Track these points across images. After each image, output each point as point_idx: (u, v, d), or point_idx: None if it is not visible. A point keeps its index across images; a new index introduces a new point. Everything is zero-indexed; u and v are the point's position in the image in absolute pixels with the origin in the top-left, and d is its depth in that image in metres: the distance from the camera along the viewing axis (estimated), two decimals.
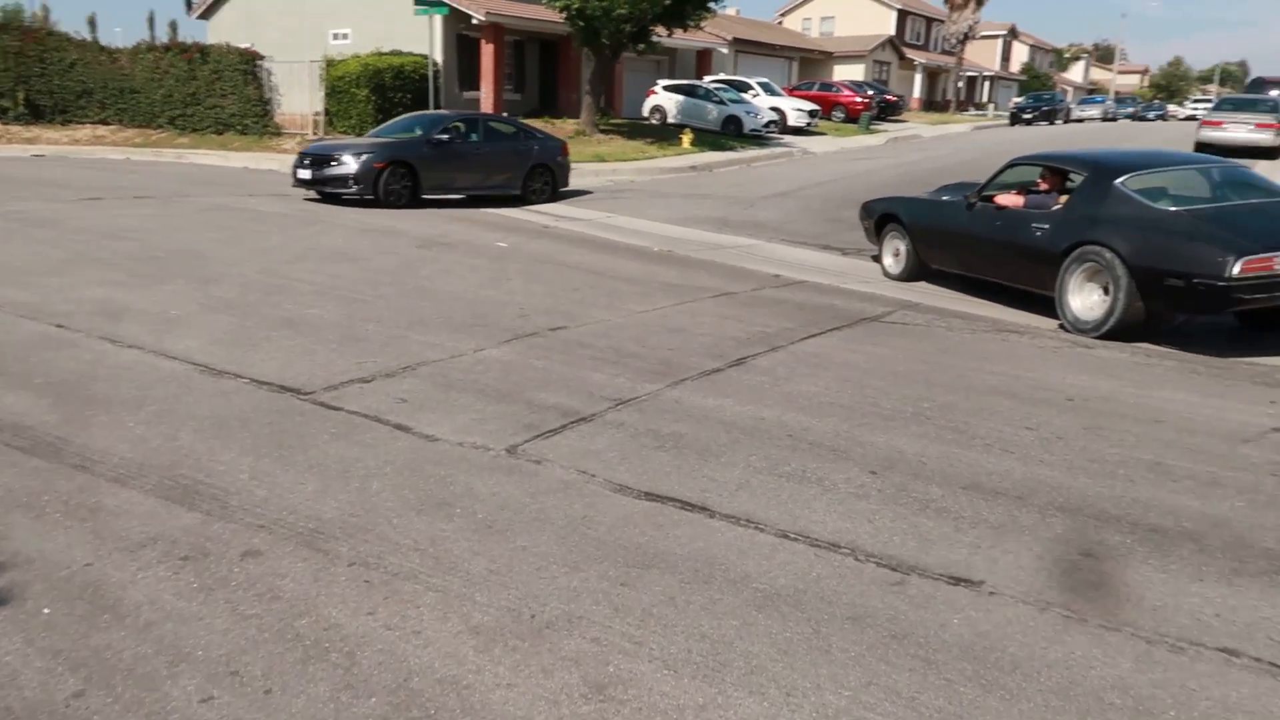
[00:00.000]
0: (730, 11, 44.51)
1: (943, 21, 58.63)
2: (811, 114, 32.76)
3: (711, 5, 26.40)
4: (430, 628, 2.98)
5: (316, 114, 26.50)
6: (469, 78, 28.60)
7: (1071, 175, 8.40)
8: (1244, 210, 7.41)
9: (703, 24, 27.23)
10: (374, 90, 25.49)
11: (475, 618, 3.05)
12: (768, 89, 33.79)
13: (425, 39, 27.19)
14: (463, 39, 28.19)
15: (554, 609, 3.11)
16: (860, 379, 5.90)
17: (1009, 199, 8.65)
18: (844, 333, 7.25)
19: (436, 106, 23.37)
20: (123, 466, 4.17)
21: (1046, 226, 7.88)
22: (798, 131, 31.90)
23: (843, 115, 37.33)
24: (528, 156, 15.85)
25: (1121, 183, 7.57)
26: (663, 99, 30.62)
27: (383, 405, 5.07)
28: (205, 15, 33.96)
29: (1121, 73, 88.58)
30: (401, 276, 8.81)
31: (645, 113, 31.02)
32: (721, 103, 29.78)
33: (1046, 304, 7.92)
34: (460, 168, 15.11)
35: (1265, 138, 23.82)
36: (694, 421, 4.97)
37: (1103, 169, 7.89)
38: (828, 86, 39.72)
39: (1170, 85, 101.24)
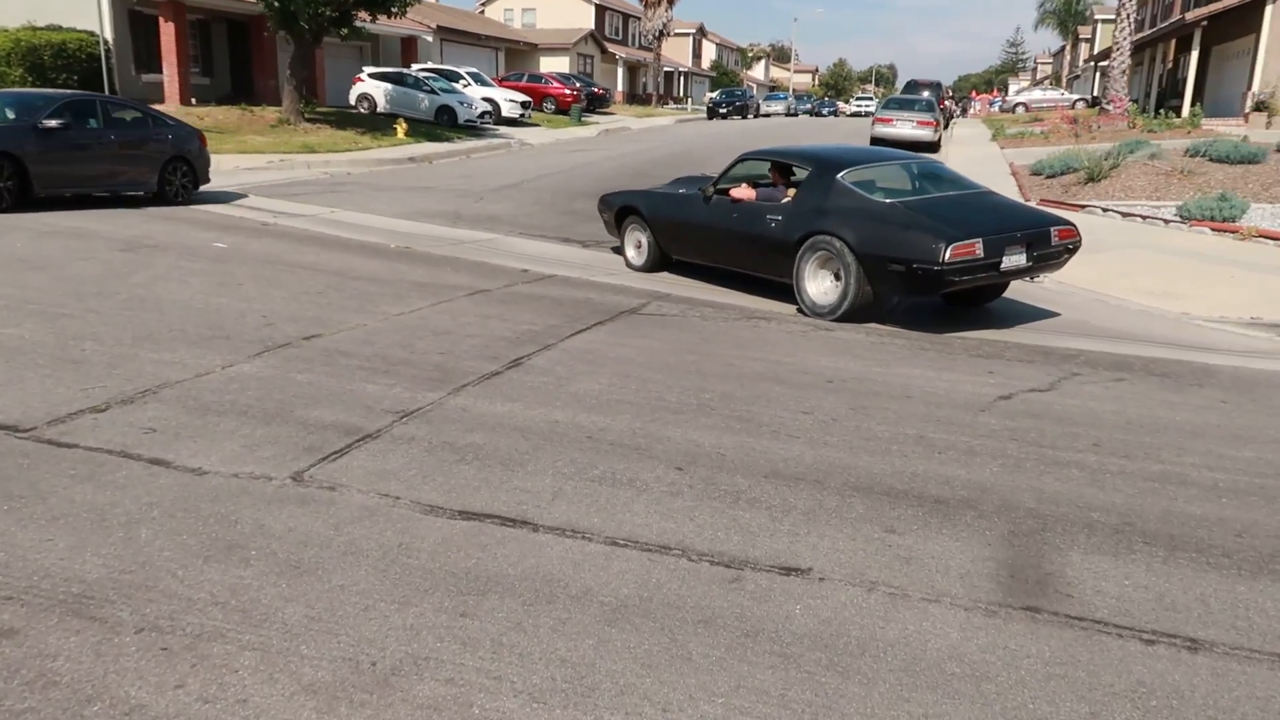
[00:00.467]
0: None
1: (639, 18, 61.02)
2: (524, 105, 32.84)
3: None
4: (257, 694, 2.62)
5: None
6: (147, 59, 25.82)
7: (796, 170, 8.97)
8: (945, 202, 8.25)
9: (407, 10, 26.41)
10: (30, 70, 22.36)
11: (307, 674, 2.71)
12: (478, 79, 33.42)
13: (87, 15, 24.22)
14: (137, 15, 25.39)
15: (395, 652, 2.85)
16: (639, 374, 5.96)
17: (742, 192, 9.11)
18: (608, 327, 7.30)
19: (111, 90, 20.87)
20: None
21: (779, 218, 8.36)
22: (511, 123, 31.86)
23: (554, 107, 37.74)
24: (163, 147, 13.28)
25: (842, 177, 8.15)
26: (370, 87, 29.36)
27: (128, 438, 4.41)
28: None
29: (797, 72, 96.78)
30: (110, 285, 7.75)
31: (352, 101, 29.60)
32: (434, 92, 29.07)
33: (781, 290, 8.43)
34: (83, 160, 12.28)
35: (926, 134, 26.94)
36: (488, 430, 4.78)
37: (825, 164, 8.48)
38: (536, 78, 39.96)
39: (837, 84, 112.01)
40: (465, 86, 31.65)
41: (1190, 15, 31.09)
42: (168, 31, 24.99)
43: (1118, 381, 6.43)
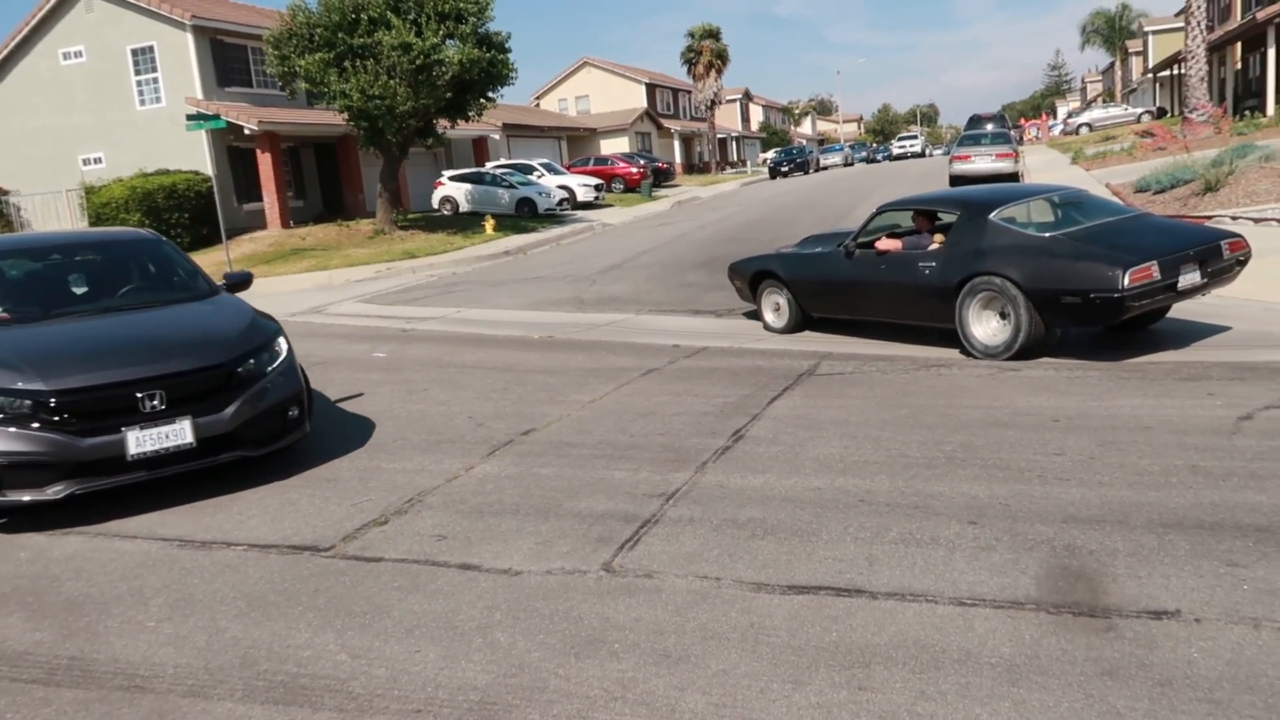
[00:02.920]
0: None
1: (688, 91, 62.37)
2: (598, 188, 33.59)
3: (490, 95, 26.65)
4: None
5: None
6: (247, 189, 27.16)
7: (941, 215, 8.99)
8: (1108, 229, 8.14)
9: (483, 114, 27.41)
10: (147, 213, 23.68)
11: None
12: (550, 169, 34.37)
13: (189, 155, 25.66)
14: (235, 150, 26.80)
15: None
16: (865, 433, 5.96)
17: (887, 243, 9.14)
18: (799, 391, 7.33)
19: (220, 221, 21.92)
20: (188, 675, 3.47)
21: (933, 264, 8.33)
22: (587, 206, 32.58)
23: (623, 186, 38.52)
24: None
25: (995, 216, 8.15)
26: (452, 189, 30.38)
27: (425, 546, 4.56)
28: None
29: (845, 122, 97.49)
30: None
31: (435, 204, 30.63)
32: (512, 186, 29.95)
33: (940, 336, 8.40)
34: None
35: (1005, 165, 26.75)
36: (759, 504, 4.81)
37: (974, 206, 8.47)
38: (602, 160, 40.93)
39: (883, 129, 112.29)
40: (539, 177, 32.56)
41: (1261, 14, 30.63)
42: (265, 161, 26.29)
43: None
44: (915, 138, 67.41)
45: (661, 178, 42.20)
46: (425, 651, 3.52)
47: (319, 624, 3.81)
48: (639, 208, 32.98)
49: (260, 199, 26.81)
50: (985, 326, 8.02)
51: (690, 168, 60.38)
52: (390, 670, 3.41)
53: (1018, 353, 7.74)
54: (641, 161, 41.17)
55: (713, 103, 56.41)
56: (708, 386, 7.69)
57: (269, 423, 5.83)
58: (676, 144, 59.57)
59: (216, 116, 22.18)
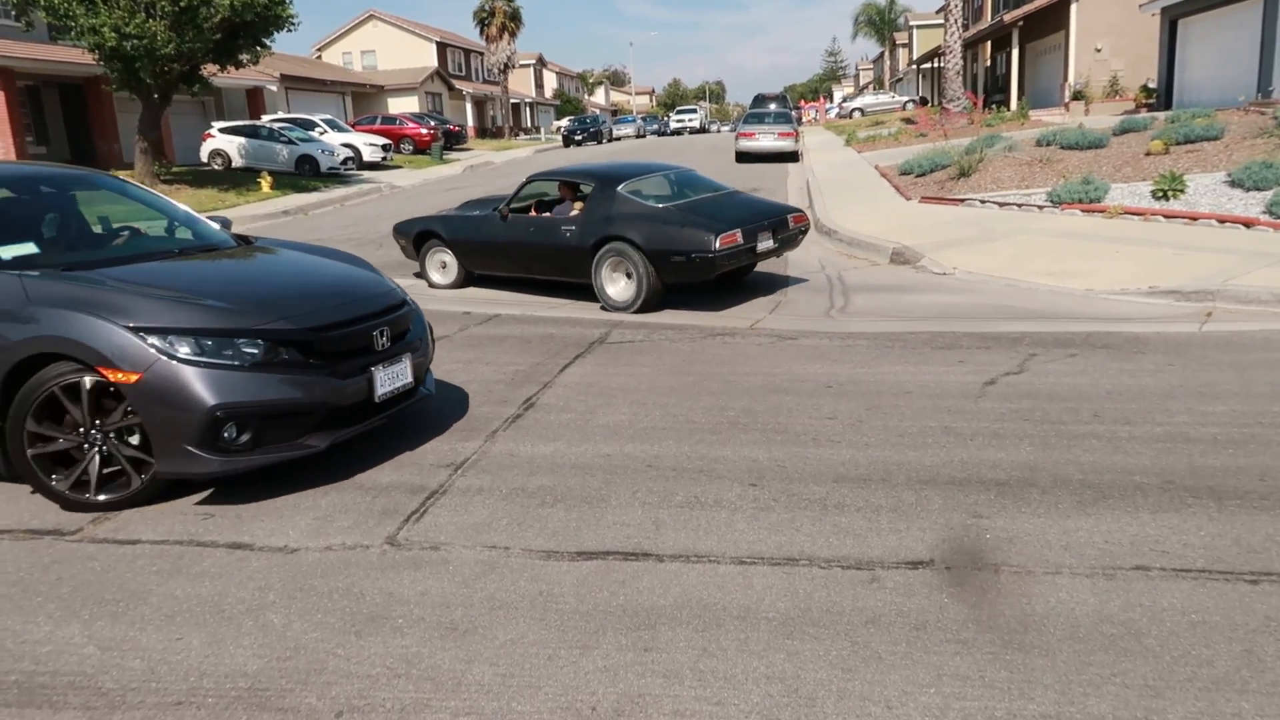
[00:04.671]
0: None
1: (480, 53, 61.02)
2: (385, 149, 32.28)
3: (265, 41, 24.93)
4: None
5: None
6: None
7: (582, 185, 9.95)
8: (707, 202, 9.59)
9: (258, 60, 25.61)
10: None
11: None
12: (334, 126, 32.69)
13: None
14: None
15: (607, 694, 2.88)
16: (654, 400, 6.07)
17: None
18: (590, 359, 7.35)
19: None
20: None
21: (573, 228, 9.37)
22: (374, 166, 31.29)
23: (412, 147, 37.24)
24: None
25: (622, 189, 9.31)
26: (223, 142, 28.26)
27: (189, 526, 4.22)
28: None
29: (637, 94, 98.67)
30: None
31: (204, 158, 28.41)
32: (291, 143, 28.24)
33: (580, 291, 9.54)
34: None
35: (787, 145, 28.06)
36: (548, 472, 4.80)
37: (606, 179, 9.57)
38: (390, 120, 39.37)
39: (674, 102, 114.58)
40: (322, 134, 30.91)
41: (1008, 17, 33.62)
42: None
43: (1072, 357, 6.96)
44: (694, 111, 65.76)
45: (453, 140, 41.14)
46: (188, 639, 3.27)
47: (62, 615, 3.45)
48: (429, 170, 32.01)
49: None
50: (615, 286, 9.32)
51: (483, 132, 59.24)
52: (147, 661, 3.13)
53: (640, 307, 9.01)
54: (432, 123, 39.93)
55: (506, 66, 55.46)
56: (499, 354, 7.58)
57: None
58: (469, 107, 58.23)
59: None
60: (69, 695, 2.96)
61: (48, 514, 4.42)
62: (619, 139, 53.52)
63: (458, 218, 10.80)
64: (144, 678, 3.04)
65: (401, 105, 47.08)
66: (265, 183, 24.41)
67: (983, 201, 15.04)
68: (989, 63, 41.76)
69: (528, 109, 70.50)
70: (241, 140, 28.17)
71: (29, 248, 4.93)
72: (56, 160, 26.39)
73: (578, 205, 9.78)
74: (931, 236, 12.31)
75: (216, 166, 27.90)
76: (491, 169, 33.12)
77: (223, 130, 28.60)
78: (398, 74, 51.90)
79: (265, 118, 32.41)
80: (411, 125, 38.55)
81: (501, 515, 4.25)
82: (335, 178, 27.76)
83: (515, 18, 55.70)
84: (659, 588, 3.54)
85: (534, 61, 73.48)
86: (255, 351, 4.36)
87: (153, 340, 4.20)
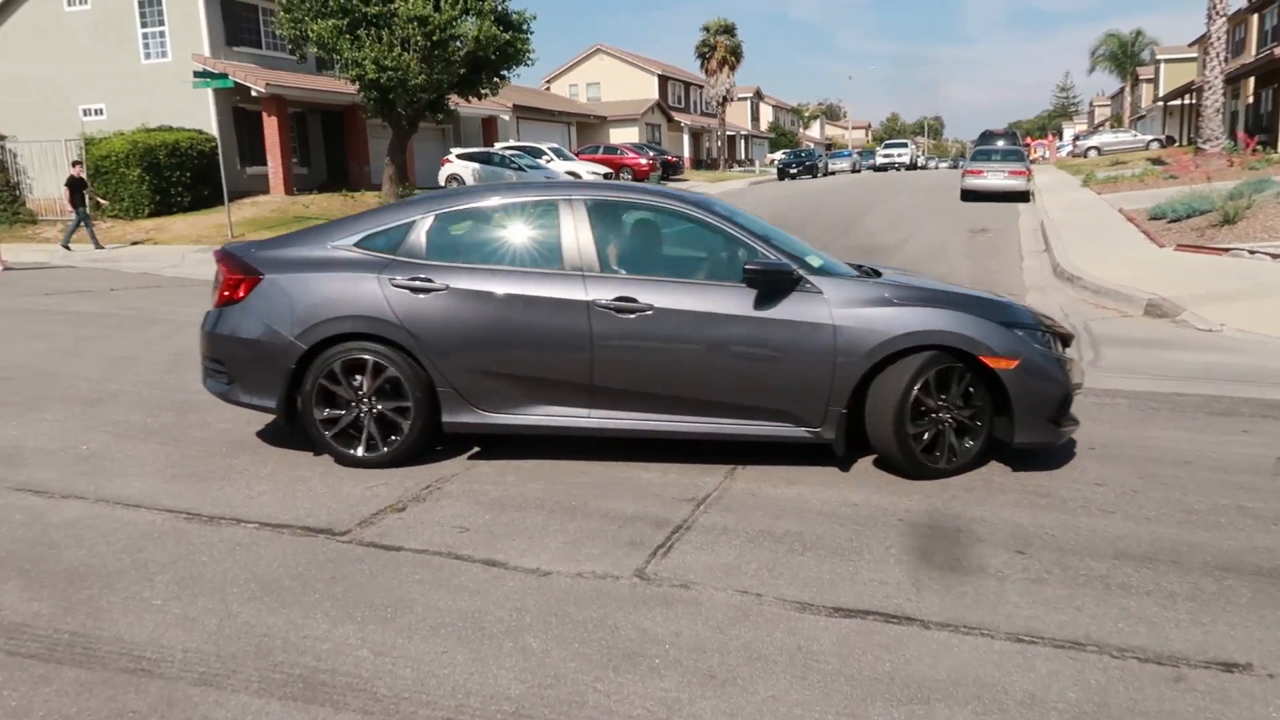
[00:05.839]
0: None
1: (699, 85, 62.13)
2: (605, 177, 33.29)
3: (505, 74, 26.35)
4: None
5: None
6: (251, 153, 26.80)
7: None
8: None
9: (498, 91, 27.09)
10: (147, 169, 23.34)
11: None
12: (560, 154, 34.11)
13: (194, 113, 25.31)
14: (240, 112, 26.44)
15: None
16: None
17: None
18: None
19: (225, 183, 21.59)
20: (198, 662, 3.27)
21: None
22: None
23: (630, 176, 38.24)
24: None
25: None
26: (459, 167, 30.06)
27: (446, 538, 4.35)
28: None
29: (854, 128, 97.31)
30: None
31: (441, 181, 30.29)
32: (520, 169, 29.65)
33: None
34: None
35: (1018, 183, 26.66)
36: (793, 516, 4.63)
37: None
38: (611, 150, 40.66)
39: (891, 138, 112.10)
40: (548, 162, 32.28)
41: (1279, 50, 30.60)
42: (271, 125, 25.94)
43: None
44: (904, 146, 60.56)
45: (670, 171, 41.94)
46: (453, 653, 3.33)
47: (338, 615, 3.61)
48: None
49: (264, 163, 26.47)
50: None
51: (698, 163, 60.14)
52: (416, 671, 3.21)
53: None
54: (651, 153, 40.91)
55: (724, 99, 56.17)
56: None
57: None
58: (685, 138, 59.30)
59: (224, 76, 21.86)
60: (348, 696, 3.06)
61: (320, 512, 4.69)
62: (834, 173, 52.82)
63: None
64: (414, 688, 3.11)
65: (622, 135, 48.54)
66: None
67: (1252, 252, 13.62)
68: (1251, 99, 38.17)
69: (743, 141, 71.00)
70: (476, 166, 29.86)
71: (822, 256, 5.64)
72: (315, 180, 28.95)
73: None
74: (1192, 288, 11.24)
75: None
76: None
77: (460, 156, 30.44)
78: (619, 105, 53.61)
79: (497, 145, 34.24)
80: (631, 155, 39.62)
81: (750, 558, 4.12)
82: None
83: (736, 52, 56.36)
84: (928, 658, 3.28)
85: (751, 95, 73.99)
86: (1050, 342, 5.33)
87: (1019, 333, 5.13)
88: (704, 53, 56.36)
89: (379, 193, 25.84)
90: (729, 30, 56.37)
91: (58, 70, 26.86)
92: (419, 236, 5.39)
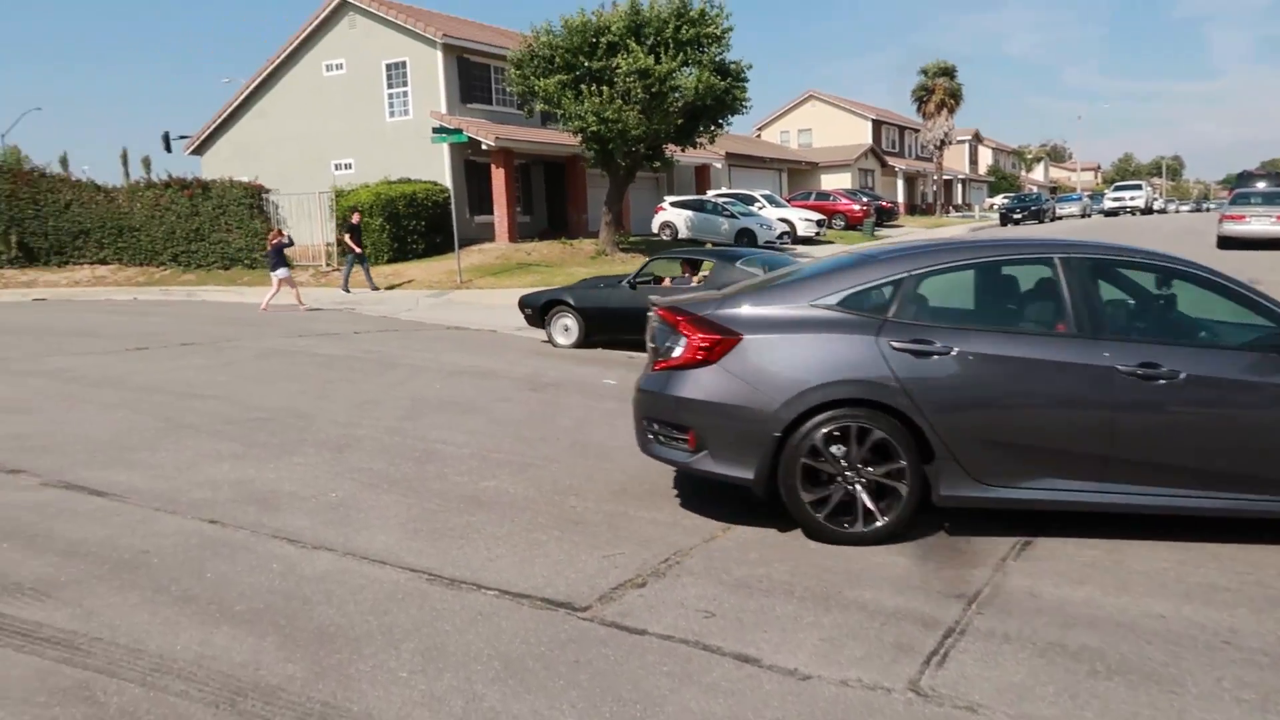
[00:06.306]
0: None
1: (914, 129, 60.48)
2: (819, 223, 32.79)
3: (721, 123, 26.47)
4: None
5: (329, 245, 25.84)
6: (479, 202, 28.24)
7: (704, 261, 12.92)
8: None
9: (715, 140, 27.24)
10: (388, 219, 24.98)
11: None
12: (772, 201, 33.90)
13: (431, 166, 26.92)
14: (471, 164, 27.95)
15: None
16: (1196, 546, 4.96)
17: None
18: None
19: (454, 233, 22.74)
20: None
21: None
22: (806, 240, 31.81)
23: (843, 223, 37.49)
24: None
25: (740, 263, 11.60)
26: (672, 215, 30.44)
27: (691, 623, 4.04)
28: (198, 151, 33.66)
29: (1083, 170, 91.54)
30: (544, 428, 7.84)
31: (654, 229, 30.78)
32: (733, 216, 29.66)
33: None
34: None
35: None
36: (1087, 627, 3.99)
37: (725, 256, 12.60)
38: (824, 196, 40.07)
39: (1123, 179, 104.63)
40: (761, 209, 32.13)
41: None
42: (498, 177, 27.25)
43: None
44: (1138, 188, 53.64)
45: (885, 217, 40.78)
46: None
47: (585, 707, 3.35)
48: (859, 245, 31.77)
49: (490, 212, 27.80)
50: None
51: (913, 208, 58.33)
52: None
53: None
54: (864, 199, 39.96)
55: (942, 143, 54.31)
56: None
57: None
58: (900, 183, 57.71)
59: (458, 131, 23.12)
60: None
61: (559, 582, 4.50)
62: (1061, 218, 49.50)
63: (584, 291, 13.31)
64: None
65: (833, 181, 47.78)
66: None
67: None
68: None
69: (960, 185, 68.32)
70: (689, 213, 30.13)
71: None
72: (536, 227, 30.13)
73: (696, 279, 12.25)
74: None
75: (665, 237, 30.06)
76: None
77: (673, 204, 30.83)
78: (831, 151, 52.91)
79: (710, 192, 34.47)
80: (844, 201, 38.87)
81: (1044, 679, 3.54)
82: (771, 250, 28.58)
83: (955, 95, 54.45)
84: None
85: (969, 137, 71.17)
86: None
87: None
88: (921, 96, 54.77)
89: (596, 239, 26.50)
90: (948, 73, 54.56)
91: (316, 129, 29.47)
92: (906, 295, 5.11)
